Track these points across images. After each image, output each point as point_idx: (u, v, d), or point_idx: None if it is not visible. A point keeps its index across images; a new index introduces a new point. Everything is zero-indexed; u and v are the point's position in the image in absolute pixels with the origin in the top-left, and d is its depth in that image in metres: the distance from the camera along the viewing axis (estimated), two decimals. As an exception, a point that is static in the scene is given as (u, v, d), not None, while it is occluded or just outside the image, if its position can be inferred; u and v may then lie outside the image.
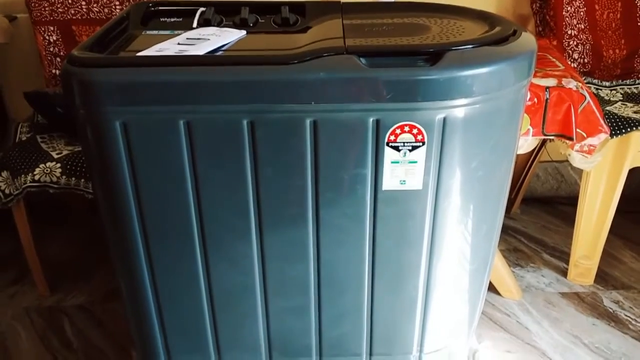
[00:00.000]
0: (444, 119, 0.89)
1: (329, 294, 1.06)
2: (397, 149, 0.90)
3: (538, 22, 1.94)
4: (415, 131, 0.89)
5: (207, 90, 0.87)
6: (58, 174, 1.53)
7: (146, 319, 1.10)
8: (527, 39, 0.98)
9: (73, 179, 1.54)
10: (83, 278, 1.87)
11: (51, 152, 1.60)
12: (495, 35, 0.96)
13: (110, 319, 1.69)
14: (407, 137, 0.90)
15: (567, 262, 1.84)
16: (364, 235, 0.98)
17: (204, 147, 0.90)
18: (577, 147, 1.47)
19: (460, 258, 1.05)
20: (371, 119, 0.89)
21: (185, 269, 1.03)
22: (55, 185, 1.54)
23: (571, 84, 1.44)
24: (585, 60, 1.90)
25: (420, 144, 0.90)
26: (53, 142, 1.68)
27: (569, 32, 1.87)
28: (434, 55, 0.89)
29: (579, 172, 1.67)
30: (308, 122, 0.89)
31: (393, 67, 0.87)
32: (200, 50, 0.97)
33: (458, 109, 0.88)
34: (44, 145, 1.65)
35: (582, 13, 1.87)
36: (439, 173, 0.93)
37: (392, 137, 0.90)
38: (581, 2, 1.86)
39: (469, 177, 0.96)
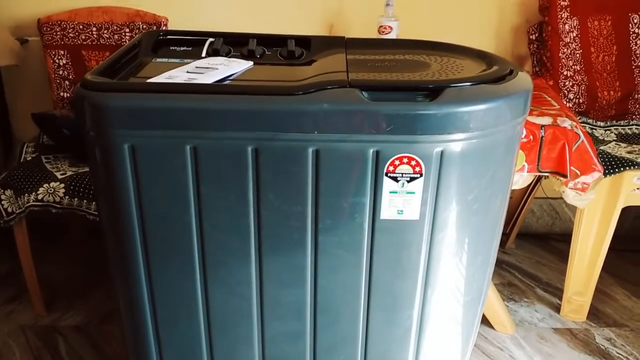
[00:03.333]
0: (442, 152, 0.92)
1: (324, 320, 1.08)
2: (395, 179, 0.93)
3: (535, 62, 2.00)
4: (413, 163, 0.92)
5: (213, 118, 0.90)
6: (61, 194, 1.56)
7: (143, 340, 1.11)
8: (524, 78, 1.02)
9: (76, 199, 1.56)
10: (80, 299, 1.88)
11: (55, 173, 1.63)
12: (493, 74, 1.00)
13: (105, 341, 1.70)
14: (405, 168, 0.93)
15: (560, 297, 1.86)
16: (360, 263, 1.01)
17: (208, 171, 0.93)
18: (571, 184, 1.51)
19: (454, 289, 1.07)
20: (371, 150, 0.92)
21: (184, 291, 1.05)
22: (58, 206, 1.57)
23: (566, 122, 1.48)
24: (581, 101, 1.94)
25: (418, 175, 0.93)
26: (58, 162, 1.71)
27: (565, 72, 1.92)
28: (433, 91, 0.93)
29: (574, 209, 1.71)
30: (310, 150, 0.92)
31: (394, 101, 0.91)
32: (209, 78, 1.01)
33: (455, 143, 0.92)
34: (48, 166, 1.68)
35: (578, 55, 1.92)
36: (436, 204, 0.96)
37: (391, 168, 0.93)
38: (577, 45, 1.92)
39: (465, 210, 0.99)
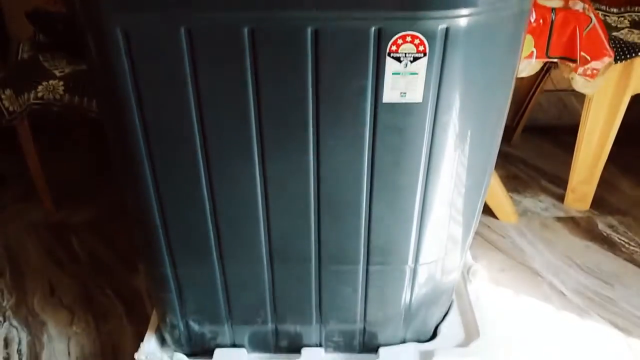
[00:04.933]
0: (447, 30, 0.88)
1: (328, 211, 1.08)
2: (398, 59, 0.90)
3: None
4: (417, 41, 0.89)
5: (207, -4, 0.86)
6: (61, 92, 1.54)
7: (151, 232, 1.13)
8: (534, -50, 0.96)
9: (76, 97, 1.55)
10: (88, 198, 1.91)
11: (53, 71, 1.60)
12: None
13: (116, 235, 1.74)
14: (408, 47, 0.90)
15: (564, 188, 1.87)
16: (362, 148, 1.00)
17: (205, 55, 0.90)
18: (580, 70, 1.47)
19: (457, 173, 1.07)
20: (373, 28, 0.88)
21: (188, 181, 1.05)
22: (59, 103, 1.55)
23: (578, 5, 1.42)
24: (595, -16, 1.86)
25: (422, 55, 0.90)
26: (55, 61, 1.67)
27: (579, -46, 1.82)
28: (438, -36, 0.88)
29: (582, 102, 1.67)
30: (309, 30, 0.88)
31: (397, -26, 0.86)
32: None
33: (461, 19, 0.88)
34: (46, 64, 1.65)
35: None
36: (440, 86, 0.94)
37: (394, 48, 0.90)
38: None
39: (469, 92, 0.96)
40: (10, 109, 1.57)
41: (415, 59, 0.91)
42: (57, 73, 1.59)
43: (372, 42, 0.89)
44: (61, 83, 1.55)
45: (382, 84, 0.93)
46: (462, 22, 0.88)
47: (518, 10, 0.95)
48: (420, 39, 0.89)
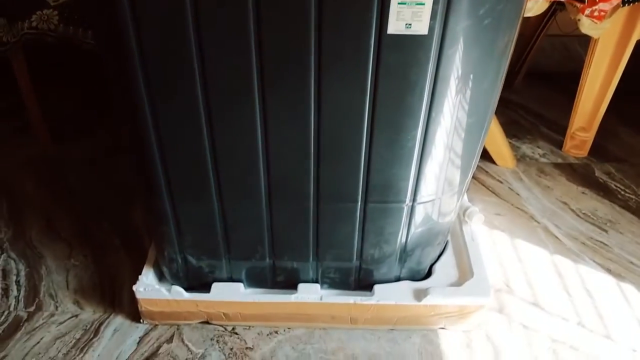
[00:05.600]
0: (455, -43, 0.86)
1: (329, 147, 1.07)
2: (404, -11, 0.88)
3: None
4: (424, -30, 0.86)
5: None
6: (55, 22, 1.50)
7: (149, 167, 1.12)
8: None
9: (71, 27, 1.51)
10: (84, 134, 1.90)
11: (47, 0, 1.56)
12: None
13: (114, 171, 1.73)
14: (415, -23, 0.87)
15: (564, 135, 1.86)
16: (365, 82, 0.98)
17: (206, 15, 0.88)
18: (587, 11, 1.43)
19: (459, 110, 1.06)
20: (380, -44, 0.85)
21: (187, 116, 1.03)
22: (53, 34, 1.52)
23: (589, -57, 1.38)
24: None
25: (429, -15, 0.88)
26: (49, -10, 1.63)
27: None
28: None
29: (586, 47, 1.65)
30: (314, -43, 0.86)
31: None
32: None
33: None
34: (39, -7, 1.60)
35: None
36: (446, 18, 0.91)
37: (400, -23, 0.87)
38: None
39: (475, 25, 0.94)
40: (4, 39, 1.54)
41: (422, -11, 0.88)
42: (51, 2, 1.55)
43: (379, -30, 0.87)
44: (55, 12, 1.50)
45: (386, 15, 0.90)
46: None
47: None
48: (428, -32, 0.86)
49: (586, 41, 1.63)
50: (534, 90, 2.20)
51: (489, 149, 1.76)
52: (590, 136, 1.80)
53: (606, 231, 1.54)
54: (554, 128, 1.97)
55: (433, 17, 0.91)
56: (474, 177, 1.70)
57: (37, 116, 1.73)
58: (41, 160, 1.77)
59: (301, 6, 0.90)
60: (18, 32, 1.52)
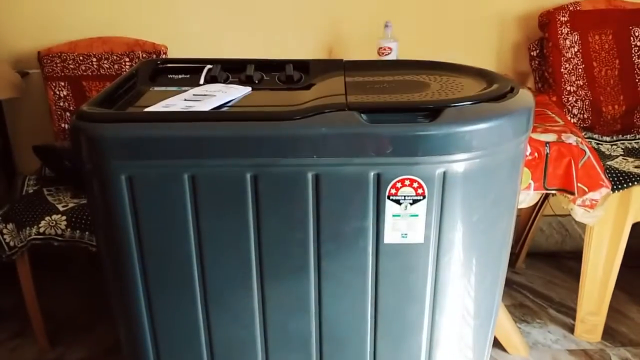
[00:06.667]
0: (444, 173, 0.90)
1: (330, 349, 1.05)
2: (398, 202, 0.91)
3: (537, 78, 1.99)
4: (415, 185, 0.90)
5: (211, 145, 0.89)
6: (63, 227, 1.55)
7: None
8: (525, 96, 1.00)
9: (77, 231, 1.55)
10: (84, 331, 1.86)
11: (57, 205, 1.62)
12: (493, 92, 0.99)
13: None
14: (407, 190, 0.91)
15: (573, 317, 1.82)
16: (366, 289, 0.98)
17: (207, 200, 0.91)
18: (579, 201, 1.48)
19: (464, 312, 1.05)
20: (372, 173, 0.90)
21: (186, 321, 1.02)
22: (60, 238, 1.55)
23: (571, 139, 1.46)
24: (585, 116, 1.92)
25: (421, 197, 0.91)
26: (59, 194, 1.70)
27: (568, 88, 1.91)
28: (433, 112, 0.91)
29: (583, 226, 1.68)
30: (310, 175, 0.90)
31: (393, 123, 0.89)
32: (206, 105, 1.00)
33: (458, 163, 0.90)
34: (50, 198, 1.67)
35: (580, 70, 1.91)
36: (440, 226, 0.94)
37: (393, 191, 0.91)
38: (579, 60, 1.91)
39: (470, 231, 0.96)
40: (11, 243, 1.57)
41: (414, 201, 0.92)
42: (60, 207, 1.60)
43: (372, 186, 0.91)
44: (64, 218, 1.55)
45: (382, 226, 0.93)
46: (459, 166, 0.90)
47: (514, 152, 0.97)
48: (419, 183, 0.90)
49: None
50: (538, 271, 2.19)
51: (498, 337, 1.71)
52: (601, 320, 1.76)
53: None
54: (562, 310, 1.93)
55: (428, 226, 0.93)
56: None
57: (38, 322, 1.71)
58: (37, 365, 1.71)
59: (300, 218, 0.93)
60: (25, 238, 1.55)
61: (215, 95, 1.06)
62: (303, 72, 1.19)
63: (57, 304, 1.99)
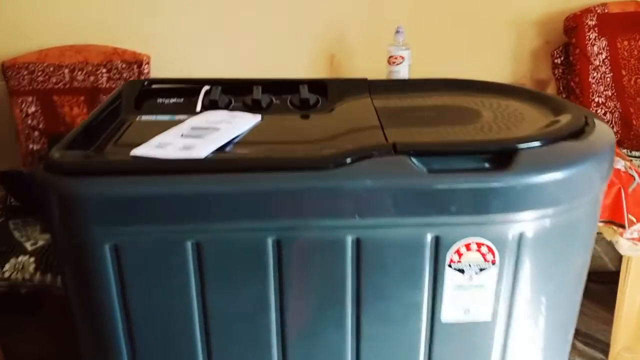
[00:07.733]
0: (520, 235, 0.71)
1: None
2: (461, 271, 0.72)
3: (561, 88, 1.81)
4: (484, 250, 0.71)
5: (222, 204, 0.68)
6: (32, 270, 1.33)
7: None
8: (604, 129, 0.81)
9: (49, 275, 1.33)
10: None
11: (25, 243, 1.40)
12: (569, 127, 0.79)
13: None
14: (474, 256, 0.71)
15: (602, 351, 1.66)
16: (415, 374, 0.79)
17: (217, 273, 0.71)
18: (627, 234, 1.31)
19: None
20: (429, 235, 0.70)
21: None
22: (28, 284, 1.33)
23: (619, 164, 1.29)
24: (614, 130, 1.75)
25: (491, 264, 0.72)
26: (27, 228, 1.48)
27: (596, 99, 1.73)
28: (503, 155, 0.72)
29: (604, 245, 1.51)
30: (350, 239, 0.70)
31: (455, 171, 0.70)
32: (210, 144, 0.79)
33: (537, 221, 0.71)
34: (16, 233, 1.45)
35: (608, 79, 1.74)
36: (512, 300, 0.75)
37: (456, 257, 0.71)
38: (607, 68, 1.74)
39: (546, 302, 0.77)
40: (-29, 290, 1.35)
41: (482, 269, 0.72)
42: (28, 246, 1.39)
43: (429, 252, 0.71)
44: (32, 260, 1.34)
45: (440, 301, 0.74)
46: (539, 224, 0.71)
47: (595, 200, 0.78)
48: (488, 247, 0.71)
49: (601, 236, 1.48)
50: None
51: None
52: (638, 357, 1.60)
53: None
54: (590, 343, 1.77)
55: (497, 300, 0.74)
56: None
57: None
58: None
59: (335, 293, 0.73)
60: (-13, 283, 1.33)
61: (219, 128, 0.85)
62: (319, 93, 0.99)
63: (26, 348, 1.77)
